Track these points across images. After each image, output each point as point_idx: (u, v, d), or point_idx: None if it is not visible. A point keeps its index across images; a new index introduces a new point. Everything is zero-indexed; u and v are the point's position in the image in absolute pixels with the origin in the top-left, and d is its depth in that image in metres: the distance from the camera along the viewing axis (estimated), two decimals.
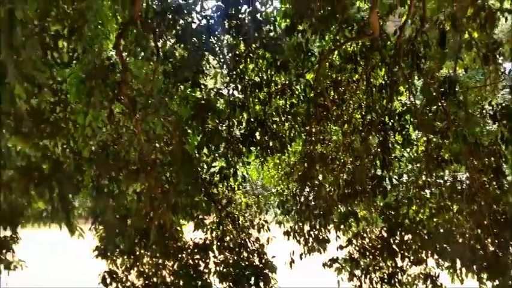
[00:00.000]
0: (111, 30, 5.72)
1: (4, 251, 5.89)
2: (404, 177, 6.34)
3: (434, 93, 5.39)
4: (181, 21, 5.13)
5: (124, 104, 5.04)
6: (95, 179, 5.38)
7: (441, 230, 5.75)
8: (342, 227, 6.59)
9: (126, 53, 5.01)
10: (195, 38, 5.33)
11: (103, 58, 4.77)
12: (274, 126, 6.33)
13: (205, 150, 5.81)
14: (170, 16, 4.88)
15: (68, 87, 4.93)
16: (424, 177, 5.97)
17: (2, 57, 2.96)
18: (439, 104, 5.47)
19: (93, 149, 4.96)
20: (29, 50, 3.04)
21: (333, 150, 6.89)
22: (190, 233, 6.28)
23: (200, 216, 6.02)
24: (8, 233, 5.72)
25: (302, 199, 6.96)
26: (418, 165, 6.14)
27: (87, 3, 5.34)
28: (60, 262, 14.70)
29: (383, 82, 6.06)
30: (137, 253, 6.02)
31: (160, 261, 6.10)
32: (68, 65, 5.29)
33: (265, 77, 6.04)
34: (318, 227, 6.85)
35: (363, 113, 6.40)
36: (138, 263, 6.11)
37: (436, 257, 5.89)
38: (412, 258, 6.04)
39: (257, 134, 6.17)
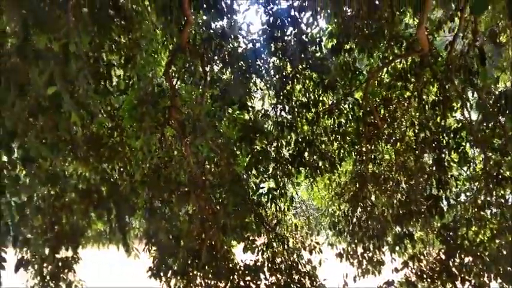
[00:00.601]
0: (163, 58, 5.98)
1: (66, 270, 6.16)
2: (462, 197, 6.05)
3: (490, 109, 5.15)
4: (228, 46, 5.28)
5: (174, 127, 5.21)
6: (148, 201, 5.56)
7: (504, 252, 5.41)
8: (397, 248, 6.37)
9: (176, 79, 5.20)
10: (241, 62, 5.46)
11: (154, 84, 4.98)
12: (323, 146, 6.29)
13: (254, 171, 5.85)
14: (217, 42, 5.04)
15: (122, 113, 5.18)
16: (483, 197, 5.67)
17: (58, 88, 3.17)
18: (496, 119, 5.22)
19: (146, 172, 5.14)
20: (82, 81, 3.24)
21: (386, 170, 6.72)
22: (241, 254, 6.30)
23: (250, 238, 6.02)
24: (70, 253, 5.98)
25: (354, 220, 6.83)
26: (477, 184, 5.84)
27: (142, 32, 5.65)
28: (118, 282, 15.13)
29: (436, 98, 5.88)
30: (190, 274, 6.10)
31: (212, 282, 6.14)
32: (125, 92, 5.58)
33: (312, 97, 6.05)
34: (371, 248, 6.69)
35: (416, 131, 6.21)
36: (191, 284, 6.18)
37: (499, 280, 5.52)
38: (473, 282, 5.70)
39: (306, 154, 6.14)
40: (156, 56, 6.16)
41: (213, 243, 5.94)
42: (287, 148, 6.21)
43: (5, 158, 3.72)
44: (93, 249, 7.44)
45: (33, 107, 3.43)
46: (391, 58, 5.91)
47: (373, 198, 6.75)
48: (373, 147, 6.57)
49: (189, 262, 6.02)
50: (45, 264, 5.87)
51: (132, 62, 5.47)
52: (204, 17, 4.95)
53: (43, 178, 4.15)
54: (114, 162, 5.90)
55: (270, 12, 5.68)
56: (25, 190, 3.82)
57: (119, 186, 5.84)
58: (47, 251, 5.38)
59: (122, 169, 5.96)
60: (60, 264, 6.04)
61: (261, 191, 5.97)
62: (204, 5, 4.66)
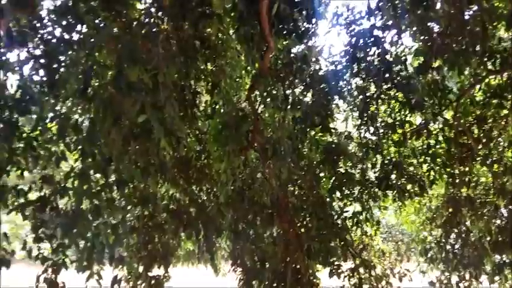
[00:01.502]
0: (246, 83, 6.17)
1: None
2: None
3: None
4: (309, 69, 5.32)
5: (257, 150, 5.32)
6: (233, 222, 5.68)
7: None
8: (496, 278, 5.88)
9: (258, 103, 5.34)
10: (323, 84, 5.46)
11: (237, 109, 5.15)
12: (411, 168, 6.02)
13: (338, 194, 5.76)
14: (298, 65, 5.11)
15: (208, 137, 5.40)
16: None
17: (148, 116, 3.41)
18: None
19: (230, 194, 5.28)
20: (169, 108, 3.46)
21: (482, 193, 6.27)
22: (328, 279, 6.16)
23: (336, 262, 5.89)
24: (161, 271, 6.25)
25: (448, 247, 6.43)
26: None
27: (227, 59, 5.88)
28: None
29: None
30: None
31: None
32: (211, 117, 5.82)
33: (398, 118, 5.85)
34: (468, 277, 6.23)
35: None
36: None
37: None
38: None
39: (393, 176, 5.92)
40: (240, 81, 6.38)
41: (298, 266, 5.89)
42: (373, 170, 6.04)
43: (102, 181, 4.06)
44: (183, 267, 7.75)
45: (127, 134, 3.70)
46: (484, 75, 5.56)
47: (468, 223, 6.32)
48: (467, 169, 6.17)
49: (275, 285, 6.01)
50: (139, 282, 6.19)
51: (217, 88, 5.72)
52: (285, 42, 5.05)
53: (135, 200, 4.44)
54: (201, 184, 6.14)
55: (352, 33, 5.65)
56: (119, 211, 4.11)
57: (207, 208, 6.06)
58: (140, 269, 5.66)
59: (209, 191, 6.18)
60: (152, 282, 6.34)
61: (345, 214, 5.84)
62: (285, 31, 4.75)
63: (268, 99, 5.17)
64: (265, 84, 4.92)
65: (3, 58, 4.24)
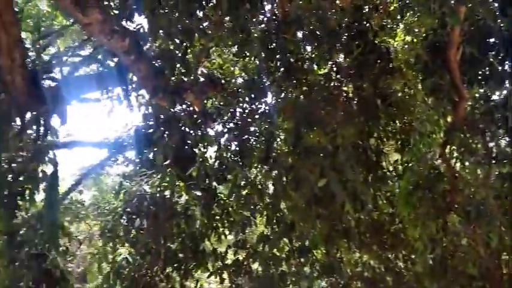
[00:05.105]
0: (438, 138, 5.62)
1: None
2: None
3: None
4: None
5: (458, 213, 4.67)
6: None
7: None
8: None
9: (455, 159, 4.77)
10: None
11: (430, 167, 4.67)
12: None
13: None
14: (500, 113, 4.43)
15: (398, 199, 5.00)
16: None
17: (328, 180, 3.31)
18: None
19: (431, 263, 4.69)
20: (349, 171, 3.30)
21: None
22: None
23: None
24: None
25: None
26: None
27: (417, 114, 5.49)
28: None
29: None
30: None
31: None
32: (401, 177, 5.41)
33: None
34: None
35: None
36: None
37: None
38: None
39: None
40: (433, 136, 5.85)
41: None
42: None
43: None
44: None
45: (309, 198, 3.66)
46: None
47: None
48: None
49: None
50: None
51: (407, 146, 5.32)
52: (481, 90, 4.47)
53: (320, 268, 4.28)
54: (397, 250, 5.67)
55: None
56: (304, 280, 4.00)
57: (404, 277, 5.55)
58: None
59: (405, 258, 5.66)
60: None
61: None
62: (480, 77, 4.23)
63: (467, 154, 4.57)
64: (460, 138, 4.38)
65: (203, 132, 4.73)
